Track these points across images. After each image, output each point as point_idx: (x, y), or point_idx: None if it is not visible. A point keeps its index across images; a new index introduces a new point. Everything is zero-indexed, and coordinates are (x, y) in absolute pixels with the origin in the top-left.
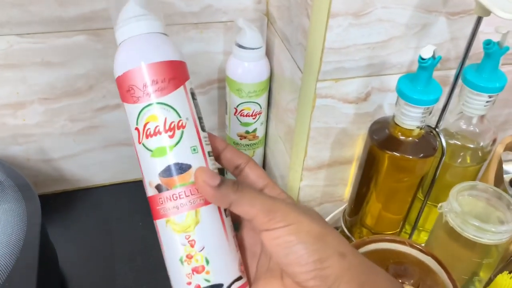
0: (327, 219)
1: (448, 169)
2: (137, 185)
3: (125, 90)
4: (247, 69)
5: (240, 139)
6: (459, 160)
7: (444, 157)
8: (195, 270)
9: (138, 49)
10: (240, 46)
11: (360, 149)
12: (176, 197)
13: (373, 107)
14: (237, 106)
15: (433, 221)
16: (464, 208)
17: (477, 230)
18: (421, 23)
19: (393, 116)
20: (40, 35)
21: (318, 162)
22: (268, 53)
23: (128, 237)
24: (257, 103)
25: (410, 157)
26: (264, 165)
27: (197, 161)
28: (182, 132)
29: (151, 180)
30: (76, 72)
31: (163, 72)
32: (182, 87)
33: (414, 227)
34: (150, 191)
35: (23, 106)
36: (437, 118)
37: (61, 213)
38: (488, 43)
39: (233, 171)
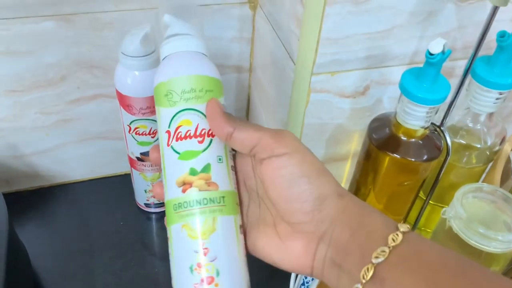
0: None
1: (452, 169)
2: (117, 180)
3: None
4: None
5: None
6: (464, 160)
7: (449, 158)
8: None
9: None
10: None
11: (357, 145)
12: None
13: (372, 101)
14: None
15: (435, 220)
16: (469, 212)
17: (482, 238)
18: (427, 10)
19: (395, 114)
20: (3, 21)
21: None
22: (257, 39)
23: (108, 237)
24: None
25: (413, 160)
26: None
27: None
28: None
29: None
30: (46, 61)
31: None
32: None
33: (413, 228)
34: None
35: None
36: (442, 115)
37: (37, 211)
38: (502, 35)
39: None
